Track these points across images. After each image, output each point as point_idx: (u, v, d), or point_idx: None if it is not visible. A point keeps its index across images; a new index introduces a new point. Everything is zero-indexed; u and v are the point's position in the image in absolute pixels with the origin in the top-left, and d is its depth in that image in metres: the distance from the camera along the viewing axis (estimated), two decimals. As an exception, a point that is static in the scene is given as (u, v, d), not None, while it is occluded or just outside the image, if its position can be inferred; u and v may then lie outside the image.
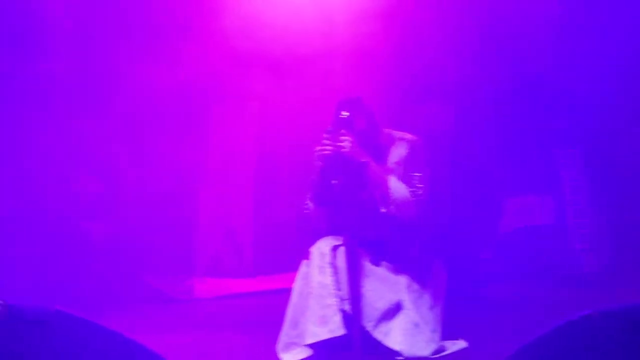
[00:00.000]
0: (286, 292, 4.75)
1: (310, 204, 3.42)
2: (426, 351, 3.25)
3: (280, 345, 3.41)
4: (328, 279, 3.24)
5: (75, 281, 4.92)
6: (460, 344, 3.37)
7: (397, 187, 3.28)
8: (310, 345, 3.25)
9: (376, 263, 3.34)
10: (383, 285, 3.30)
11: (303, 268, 3.42)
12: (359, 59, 4.78)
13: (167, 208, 5.61)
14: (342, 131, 3.23)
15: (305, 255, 3.40)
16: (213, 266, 5.75)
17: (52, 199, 5.08)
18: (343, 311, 3.20)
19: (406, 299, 3.30)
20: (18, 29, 5.08)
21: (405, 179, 3.32)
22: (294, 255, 5.21)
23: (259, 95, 5.51)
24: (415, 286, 3.34)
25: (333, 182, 3.26)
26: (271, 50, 5.07)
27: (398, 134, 3.47)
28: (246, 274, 5.70)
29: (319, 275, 3.26)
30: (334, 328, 3.18)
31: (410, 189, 3.30)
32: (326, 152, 3.24)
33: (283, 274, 5.43)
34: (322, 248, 3.32)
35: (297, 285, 3.44)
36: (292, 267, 5.28)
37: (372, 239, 3.34)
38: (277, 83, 5.25)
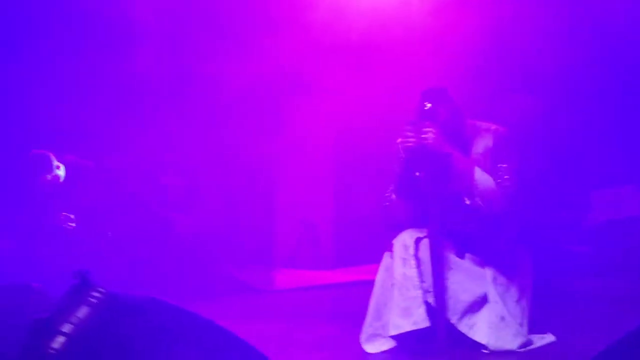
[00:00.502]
0: (365, 284, 4.77)
1: (393, 196, 3.41)
2: (513, 345, 3.21)
3: (363, 336, 3.43)
4: (411, 271, 3.24)
5: (161, 271, 5.09)
6: (549, 338, 3.31)
7: (482, 179, 3.23)
8: (394, 337, 3.26)
9: (461, 255, 3.31)
10: (468, 278, 3.27)
11: (386, 260, 3.41)
12: (443, 49, 4.72)
13: (248, 200, 5.73)
14: (426, 122, 3.21)
15: (388, 247, 3.40)
16: (293, 258, 5.83)
17: (141, 192, 5.29)
18: (427, 303, 3.19)
19: (492, 291, 3.26)
20: (107, 30, 5.31)
21: (491, 170, 3.27)
22: (373, 248, 5.23)
23: (339, 86, 5.54)
24: (502, 279, 3.30)
25: (416, 174, 3.24)
26: (351, 42, 5.09)
27: (483, 124, 3.42)
28: (325, 266, 5.76)
29: (402, 267, 3.26)
30: (417, 320, 3.18)
31: (497, 180, 3.25)
32: (409, 143, 3.23)
33: (362, 266, 5.46)
34: (405, 240, 3.31)
35: (379, 277, 3.44)
36: (370, 259, 5.32)
37: (457, 231, 3.31)
38: (357, 74, 5.26)
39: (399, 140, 3.33)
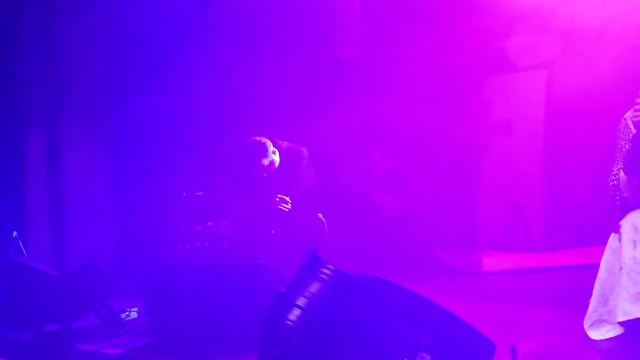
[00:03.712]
0: (580, 268, 4.53)
1: (622, 175, 3.19)
2: None
3: (587, 322, 3.26)
4: (643, 254, 3.02)
5: (370, 252, 5.22)
6: None
7: None
8: (622, 324, 3.08)
9: (700, 237, 3.03)
10: None
11: (612, 242, 3.20)
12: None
13: (454, 182, 5.69)
14: None
15: (615, 228, 3.19)
16: (501, 241, 5.70)
17: (346, 175, 5.46)
18: (660, 289, 2.97)
19: None
20: (312, 23, 5.54)
21: None
22: (584, 230, 4.97)
23: (548, 63, 5.31)
24: None
25: None
26: (560, 17, 4.85)
27: None
28: (535, 249, 5.56)
29: (632, 250, 3.05)
30: (649, 306, 2.97)
31: None
32: None
33: (573, 249, 5.21)
34: (635, 221, 3.09)
35: (605, 260, 3.24)
36: (582, 242, 5.06)
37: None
38: (569, 50, 5.02)
39: (629, 114, 3.10)
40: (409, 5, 5.61)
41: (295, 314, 2.55)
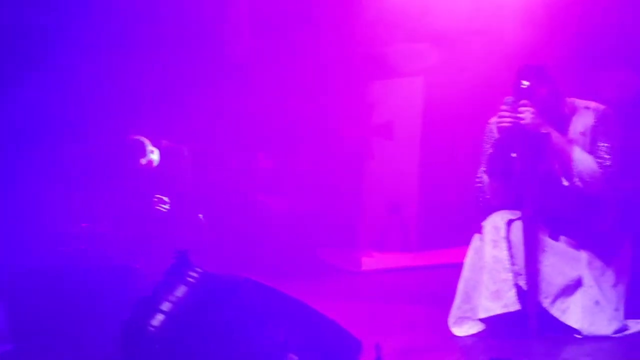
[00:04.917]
0: (451, 267, 4.71)
1: (485, 177, 3.34)
2: (607, 330, 3.13)
3: (451, 319, 3.39)
4: (502, 253, 3.19)
5: (250, 251, 5.21)
6: (645, 324, 3.19)
7: (582, 159, 3.12)
8: (483, 320, 3.23)
9: (555, 238, 3.23)
10: (562, 261, 3.19)
11: (475, 242, 3.36)
12: (534, 25, 4.56)
13: (336, 183, 5.77)
14: (523, 101, 3.13)
15: (478, 229, 3.35)
16: (379, 240, 5.83)
17: (229, 175, 5.42)
18: (518, 286, 3.15)
19: (587, 275, 3.18)
20: (202, 20, 5.46)
21: (591, 149, 3.16)
22: (458, 230, 5.17)
23: (425, 69, 5.49)
24: (598, 262, 3.20)
25: (512, 155, 3.16)
26: (433, 26, 5.03)
27: (582, 102, 3.29)
28: (410, 249, 5.73)
29: (493, 250, 3.21)
30: (508, 303, 3.14)
31: (597, 160, 3.14)
32: (505, 123, 3.15)
33: (446, 249, 5.40)
34: (496, 222, 3.25)
35: (468, 260, 3.40)
36: (455, 242, 5.26)
37: (552, 212, 3.22)
38: (445, 55, 5.20)
39: (494, 120, 3.26)
40: (296, 10, 5.64)
41: (158, 319, 2.48)
